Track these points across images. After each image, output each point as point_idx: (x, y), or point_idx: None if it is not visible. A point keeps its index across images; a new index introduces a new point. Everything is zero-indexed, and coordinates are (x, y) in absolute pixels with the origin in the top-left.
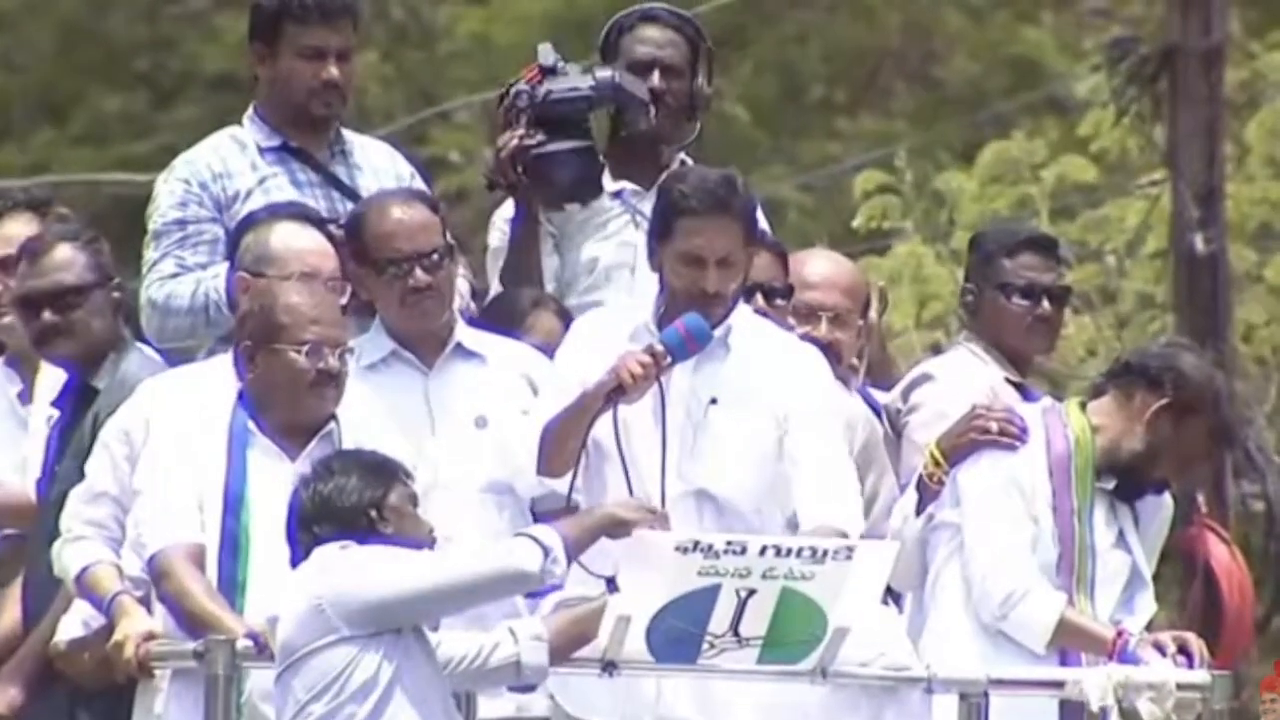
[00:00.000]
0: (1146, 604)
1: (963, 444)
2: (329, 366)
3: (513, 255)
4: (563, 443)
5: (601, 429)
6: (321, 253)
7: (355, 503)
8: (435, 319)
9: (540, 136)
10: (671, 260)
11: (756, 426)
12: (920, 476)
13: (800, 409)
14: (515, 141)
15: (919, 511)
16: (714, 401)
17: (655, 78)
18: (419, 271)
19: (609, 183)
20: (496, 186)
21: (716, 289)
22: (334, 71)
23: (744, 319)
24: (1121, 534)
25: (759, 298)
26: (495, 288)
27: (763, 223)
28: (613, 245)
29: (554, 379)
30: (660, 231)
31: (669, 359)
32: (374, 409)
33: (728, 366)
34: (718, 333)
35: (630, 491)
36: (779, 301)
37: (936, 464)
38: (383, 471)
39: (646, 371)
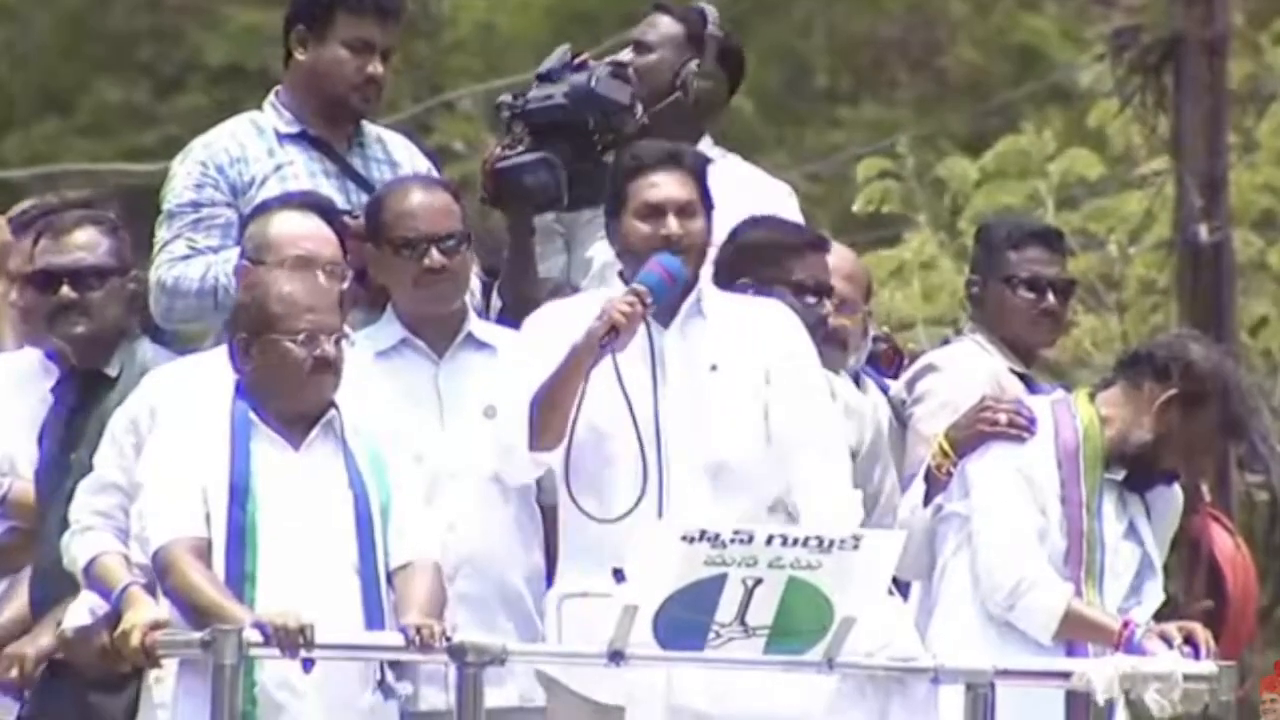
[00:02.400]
0: (1154, 593)
1: (971, 435)
2: (325, 354)
3: (508, 265)
4: (556, 407)
5: (594, 407)
6: (319, 238)
7: None
8: (448, 303)
9: (521, 147)
10: (630, 220)
11: (752, 388)
12: (928, 467)
13: (785, 367)
14: (495, 153)
15: (926, 502)
16: (714, 368)
17: (625, 53)
18: (435, 252)
19: None
20: (484, 201)
21: (680, 232)
22: (379, 68)
23: (708, 286)
24: (1132, 525)
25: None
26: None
27: (787, 195)
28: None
29: (525, 360)
30: (615, 202)
31: (651, 298)
32: (383, 397)
33: (712, 331)
34: (690, 300)
35: (643, 456)
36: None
37: (945, 455)
38: None
39: (635, 311)
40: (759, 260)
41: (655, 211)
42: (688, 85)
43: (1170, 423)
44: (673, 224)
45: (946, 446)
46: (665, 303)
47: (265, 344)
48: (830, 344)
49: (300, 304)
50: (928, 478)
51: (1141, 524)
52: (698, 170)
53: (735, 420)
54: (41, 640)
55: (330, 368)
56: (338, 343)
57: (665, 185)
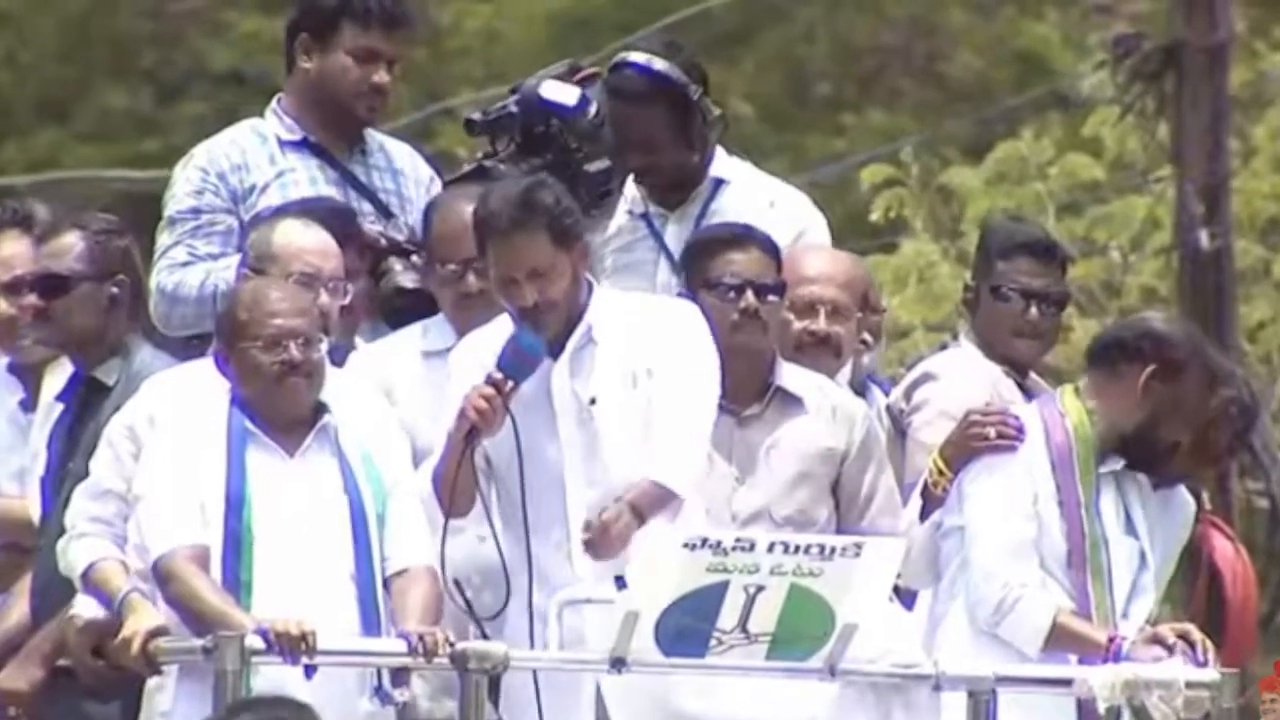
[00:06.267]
0: (1147, 589)
1: (962, 451)
2: (291, 358)
3: None
4: (449, 487)
5: (502, 457)
6: (323, 252)
7: None
8: (485, 321)
9: (496, 158)
10: (494, 283)
11: (636, 405)
12: (924, 483)
13: (661, 365)
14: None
15: (923, 518)
16: (593, 401)
17: (637, 158)
18: (471, 278)
19: (638, 203)
20: None
21: (535, 300)
22: (384, 77)
23: (604, 305)
24: (1130, 519)
25: (750, 294)
26: None
27: (800, 201)
28: (630, 269)
29: (443, 417)
30: (480, 250)
31: (510, 383)
32: (424, 397)
33: (598, 361)
34: (580, 331)
35: (524, 511)
36: (770, 298)
37: (940, 473)
38: None
39: (492, 402)
40: (686, 265)
41: (510, 282)
42: (706, 115)
43: (1159, 397)
44: (526, 293)
45: (941, 464)
46: (530, 373)
47: (236, 353)
48: (819, 349)
49: (265, 310)
50: (924, 494)
51: (1138, 516)
52: (550, 220)
53: (621, 447)
54: (33, 671)
55: (297, 371)
56: (306, 346)
57: (511, 254)
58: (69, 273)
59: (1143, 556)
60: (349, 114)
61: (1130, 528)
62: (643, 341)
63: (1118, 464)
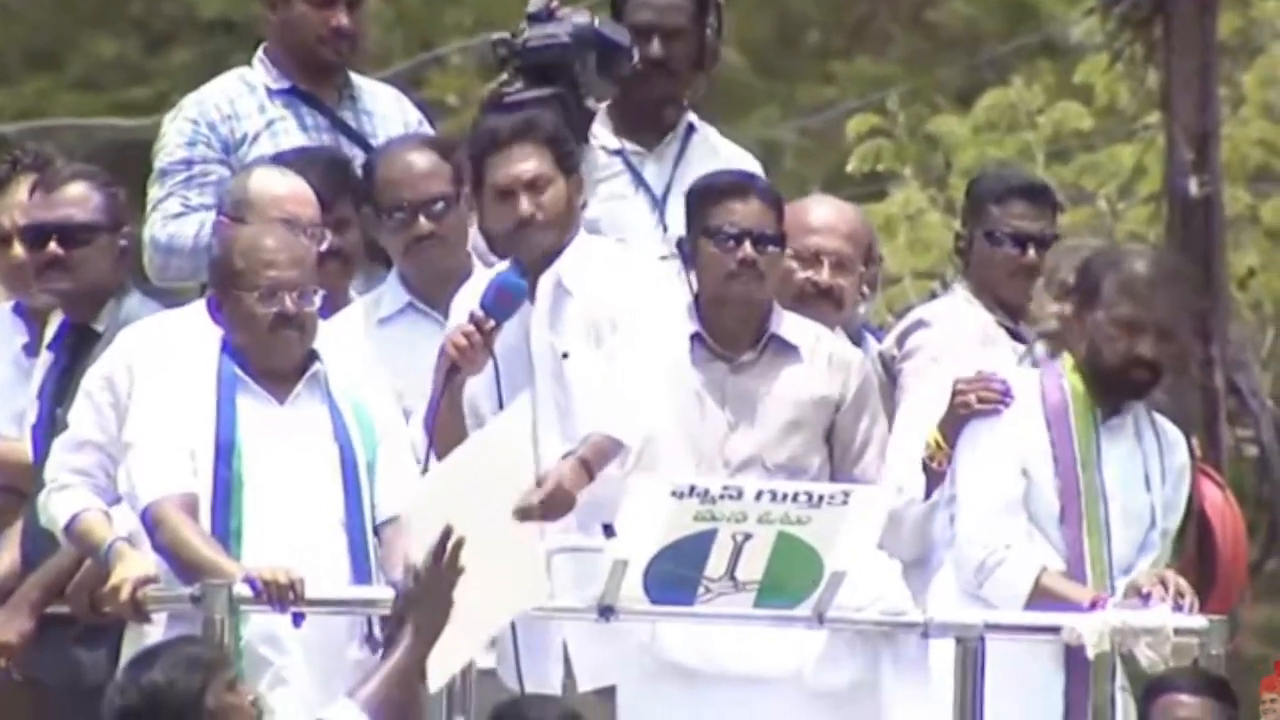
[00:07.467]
0: (1154, 543)
1: (953, 422)
2: (285, 310)
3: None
4: (443, 429)
5: (484, 404)
6: (300, 200)
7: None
8: (439, 266)
9: (519, 85)
10: (488, 203)
11: (599, 362)
12: (923, 460)
13: (621, 321)
14: (491, 88)
15: (927, 495)
16: (565, 355)
17: (656, 46)
18: (422, 219)
19: (610, 139)
20: None
21: (531, 211)
22: (344, 20)
23: (578, 251)
24: (1147, 475)
25: (748, 245)
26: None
27: (757, 168)
28: (611, 205)
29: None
30: (475, 181)
31: (491, 321)
32: (387, 364)
33: (570, 313)
34: (550, 279)
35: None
36: (769, 249)
37: (938, 447)
38: (196, 666)
39: (472, 340)
40: (686, 211)
41: (507, 194)
42: (717, 55)
43: (1084, 320)
44: (523, 205)
45: (939, 438)
46: (511, 313)
47: (230, 300)
48: (821, 300)
49: (261, 259)
50: (925, 470)
51: (1155, 471)
52: (552, 141)
53: (593, 401)
54: (21, 622)
55: (290, 323)
56: (301, 298)
57: (513, 160)
58: (93, 223)
59: (1153, 512)
60: (318, 60)
61: (1147, 483)
62: (606, 297)
63: (1127, 417)
